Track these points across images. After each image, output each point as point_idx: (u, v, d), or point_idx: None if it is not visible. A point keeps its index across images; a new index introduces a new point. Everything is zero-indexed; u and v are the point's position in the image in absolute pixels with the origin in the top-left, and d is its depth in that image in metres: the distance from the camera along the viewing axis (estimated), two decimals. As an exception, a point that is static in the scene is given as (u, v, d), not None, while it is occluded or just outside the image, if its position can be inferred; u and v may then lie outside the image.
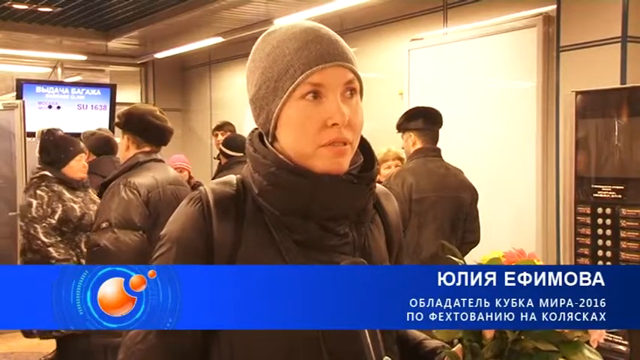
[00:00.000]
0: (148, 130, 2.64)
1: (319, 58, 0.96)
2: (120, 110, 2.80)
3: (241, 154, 3.92)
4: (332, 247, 0.99)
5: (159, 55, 7.04)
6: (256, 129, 1.05)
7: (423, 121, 3.07)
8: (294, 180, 0.97)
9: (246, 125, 6.51)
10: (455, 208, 3.00)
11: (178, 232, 0.98)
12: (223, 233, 0.97)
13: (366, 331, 0.89)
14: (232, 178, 1.04)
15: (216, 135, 5.00)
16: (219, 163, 4.66)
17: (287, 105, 0.97)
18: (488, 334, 0.92)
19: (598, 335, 0.92)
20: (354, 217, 1.02)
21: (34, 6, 5.48)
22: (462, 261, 0.99)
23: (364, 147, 1.07)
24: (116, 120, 2.72)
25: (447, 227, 2.94)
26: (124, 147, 2.66)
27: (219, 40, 6.06)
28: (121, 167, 2.61)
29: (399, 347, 1.11)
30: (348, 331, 0.95)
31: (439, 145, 3.15)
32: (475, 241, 3.04)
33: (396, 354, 1.07)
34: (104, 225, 2.40)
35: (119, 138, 2.81)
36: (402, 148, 3.22)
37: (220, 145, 4.19)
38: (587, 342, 0.92)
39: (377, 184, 1.15)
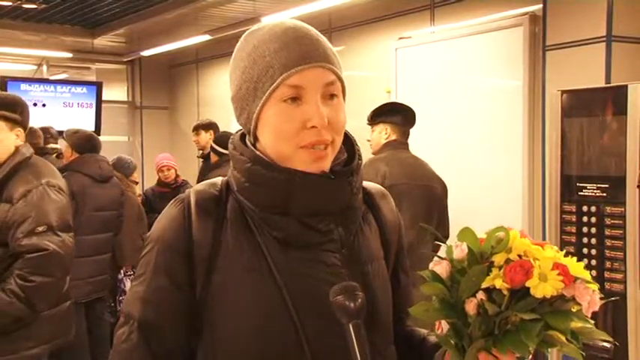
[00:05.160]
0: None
1: (299, 59, 0.95)
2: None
3: None
4: (315, 245, 0.98)
5: (145, 53, 6.99)
6: (241, 130, 1.06)
7: (403, 118, 3.11)
8: (269, 175, 0.96)
9: (234, 123, 6.47)
10: (427, 197, 2.99)
11: (160, 232, 1.00)
12: (203, 233, 0.97)
13: (352, 330, 0.89)
14: (218, 179, 1.05)
15: (198, 133, 4.97)
16: (203, 161, 4.63)
17: (267, 106, 0.97)
18: (472, 310, 0.90)
19: (590, 303, 0.89)
20: (339, 214, 1.00)
21: (19, 2, 5.42)
22: (444, 243, 0.99)
23: (347, 142, 1.06)
24: (14, 116, 2.43)
25: (420, 216, 2.91)
26: (11, 143, 2.40)
27: (207, 37, 6.03)
28: (13, 164, 2.37)
29: (404, 346, 1.11)
30: (332, 330, 0.94)
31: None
32: (445, 237, 3.01)
33: (390, 357, 1.06)
34: (41, 229, 2.28)
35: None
36: (369, 140, 3.20)
37: (212, 143, 4.18)
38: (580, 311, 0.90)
39: (373, 184, 1.15)
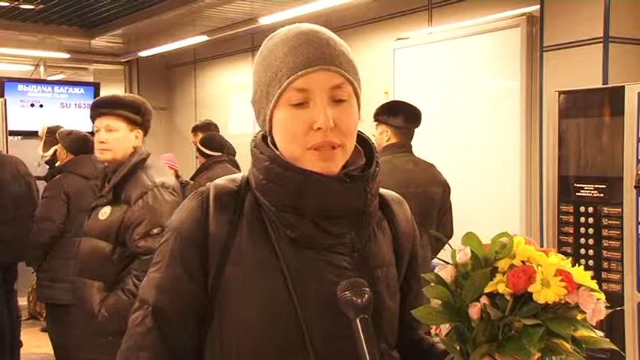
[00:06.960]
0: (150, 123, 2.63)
1: (305, 63, 0.98)
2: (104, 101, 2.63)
3: (219, 154, 3.85)
4: (326, 247, 1.01)
5: (143, 54, 6.99)
6: (261, 130, 1.09)
7: (404, 119, 3.01)
8: (285, 174, 0.99)
9: (231, 124, 6.48)
10: (422, 204, 2.88)
11: (177, 223, 1.05)
12: (219, 226, 1.01)
13: (361, 331, 0.90)
14: (238, 175, 1.09)
15: (197, 134, 4.96)
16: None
17: (277, 109, 1.00)
18: (475, 315, 0.90)
19: (594, 311, 0.89)
20: (353, 218, 1.02)
21: (16, 3, 5.41)
22: (449, 246, 0.99)
23: (367, 148, 1.08)
24: (135, 117, 2.52)
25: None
26: (130, 144, 2.51)
27: (204, 38, 6.04)
28: (130, 165, 2.46)
29: (414, 353, 1.13)
30: (338, 332, 0.96)
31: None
32: (446, 236, 2.96)
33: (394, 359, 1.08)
34: (156, 231, 2.36)
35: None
36: (373, 135, 3.16)
37: (198, 144, 4.12)
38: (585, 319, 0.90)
39: (389, 191, 1.16)
